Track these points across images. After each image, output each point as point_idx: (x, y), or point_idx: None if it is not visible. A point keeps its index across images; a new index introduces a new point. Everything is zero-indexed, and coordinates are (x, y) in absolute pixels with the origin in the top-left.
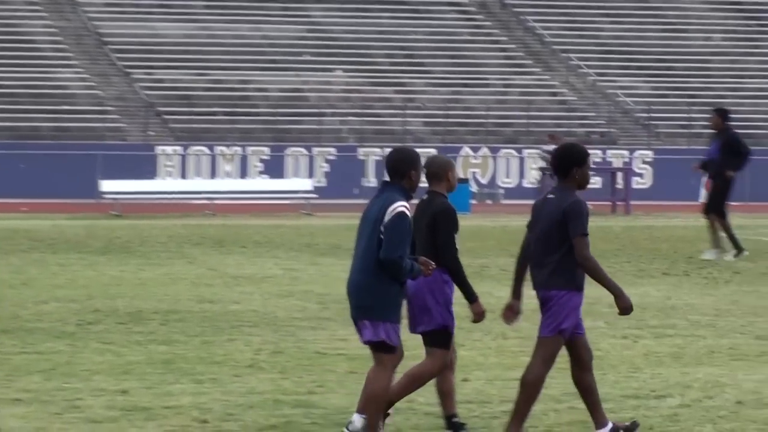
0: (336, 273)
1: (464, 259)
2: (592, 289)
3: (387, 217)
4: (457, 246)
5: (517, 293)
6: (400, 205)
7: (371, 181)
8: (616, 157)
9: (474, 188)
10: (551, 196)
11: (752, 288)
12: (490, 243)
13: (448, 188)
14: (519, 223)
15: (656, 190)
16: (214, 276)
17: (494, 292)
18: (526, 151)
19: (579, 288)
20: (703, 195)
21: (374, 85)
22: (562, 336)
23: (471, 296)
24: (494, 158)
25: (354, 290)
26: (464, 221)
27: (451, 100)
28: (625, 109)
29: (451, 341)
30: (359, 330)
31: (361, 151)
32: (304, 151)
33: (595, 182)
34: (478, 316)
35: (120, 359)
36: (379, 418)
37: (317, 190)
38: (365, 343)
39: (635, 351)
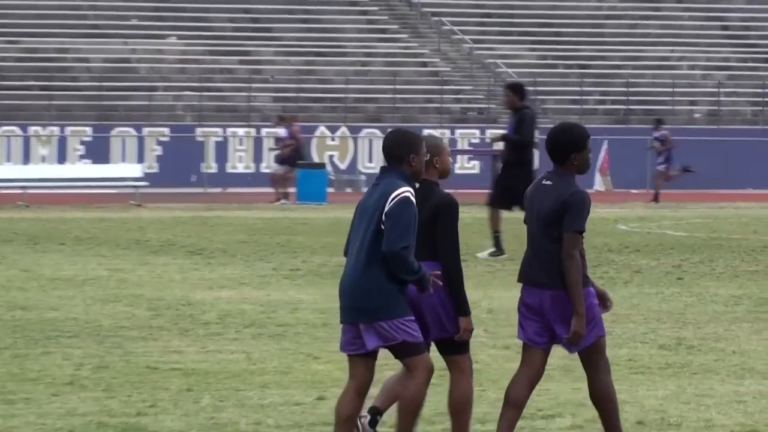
0: (170, 274)
1: (319, 258)
2: (470, 292)
3: (389, 205)
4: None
5: None
6: (405, 191)
7: (212, 166)
8: None
9: (331, 174)
10: (548, 182)
11: (655, 289)
12: None
13: (438, 174)
14: None
15: None
16: (28, 278)
17: None
18: None
19: (586, 282)
20: (598, 181)
21: (214, 55)
22: (602, 337)
23: (465, 309)
24: (355, 139)
25: (350, 289)
26: (320, 213)
27: (304, 71)
28: (506, 81)
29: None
30: (349, 336)
31: (199, 131)
32: (132, 131)
33: (473, 167)
34: (468, 333)
35: None
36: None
37: (148, 177)
38: (373, 350)
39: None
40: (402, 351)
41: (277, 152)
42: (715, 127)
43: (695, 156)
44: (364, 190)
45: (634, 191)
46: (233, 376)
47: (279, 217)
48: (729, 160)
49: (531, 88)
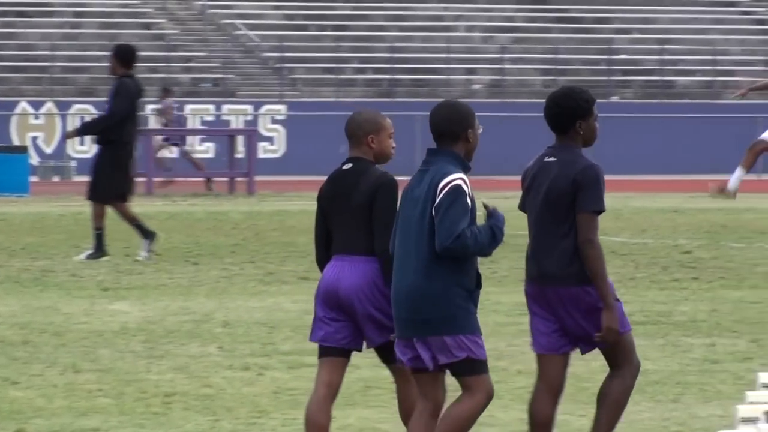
0: None
1: (19, 261)
2: (207, 302)
3: (439, 197)
4: None
5: None
6: (455, 178)
7: None
8: (236, 114)
9: (34, 160)
10: (551, 159)
11: None
12: (56, 237)
13: (374, 156)
14: None
15: (291, 160)
16: None
17: (62, 307)
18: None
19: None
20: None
21: None
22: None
23: None
24: (63, 117)
25: (408, 298)
26: (21, 206)
27: (2, 35)
28: (247, 46)
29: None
30: (406, 351)
31: None
32: None
33: (206, 150)
34: None
35: None
36: None
37: None
38: (436, 368)
39: (260, 387)
40: (463, 369)
41: None
42: (498, 100)
43: None
44: (75, 178)
45: (401, 178)
46: None
47: None
48: (515, 141)
49: (277, 54)
